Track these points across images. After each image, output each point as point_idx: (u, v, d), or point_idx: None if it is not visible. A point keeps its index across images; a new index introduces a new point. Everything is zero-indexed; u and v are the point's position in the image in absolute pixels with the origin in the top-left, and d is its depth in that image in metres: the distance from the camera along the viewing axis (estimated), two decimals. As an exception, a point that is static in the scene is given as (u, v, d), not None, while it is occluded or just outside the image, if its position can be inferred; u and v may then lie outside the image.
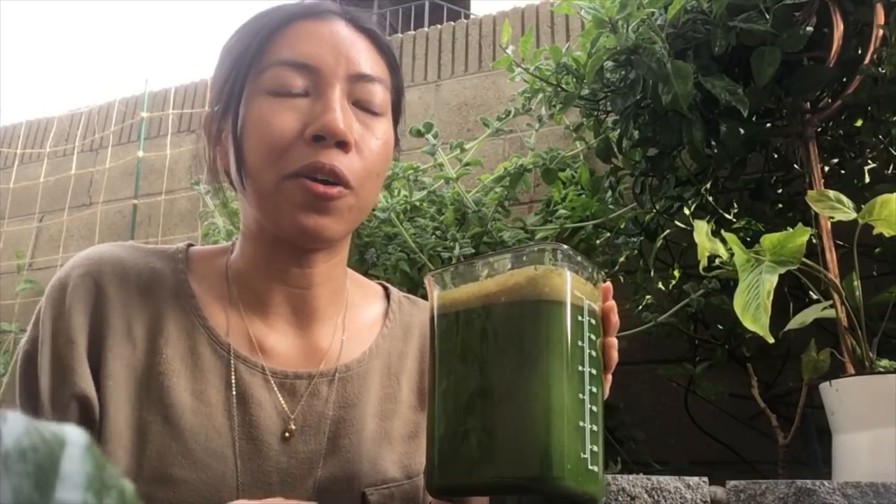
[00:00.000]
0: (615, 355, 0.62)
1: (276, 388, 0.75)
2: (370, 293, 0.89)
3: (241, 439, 0.72)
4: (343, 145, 0.70)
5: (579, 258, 0.58)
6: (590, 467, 0.53)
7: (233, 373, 0.74)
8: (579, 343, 0.55)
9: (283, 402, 0.75)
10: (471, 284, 0.59)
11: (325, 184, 0.70)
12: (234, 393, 0.73)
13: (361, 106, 0.74)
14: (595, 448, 0.54)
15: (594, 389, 0.56)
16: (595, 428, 0.55)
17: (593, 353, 0.57)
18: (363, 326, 0.84)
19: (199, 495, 0.65)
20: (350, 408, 0.78)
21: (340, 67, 0.73)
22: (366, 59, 0.75)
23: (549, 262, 0.56)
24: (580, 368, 0.55)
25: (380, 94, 0.75)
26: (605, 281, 0.63)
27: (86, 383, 0.69)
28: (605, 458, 0.56)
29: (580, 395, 0.55)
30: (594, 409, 0.55)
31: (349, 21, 0.77)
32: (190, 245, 0.82)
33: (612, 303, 0.62)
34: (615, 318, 0.61)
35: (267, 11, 0.77)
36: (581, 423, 0.54)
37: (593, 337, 0.57)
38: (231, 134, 0.74)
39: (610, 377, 0.63)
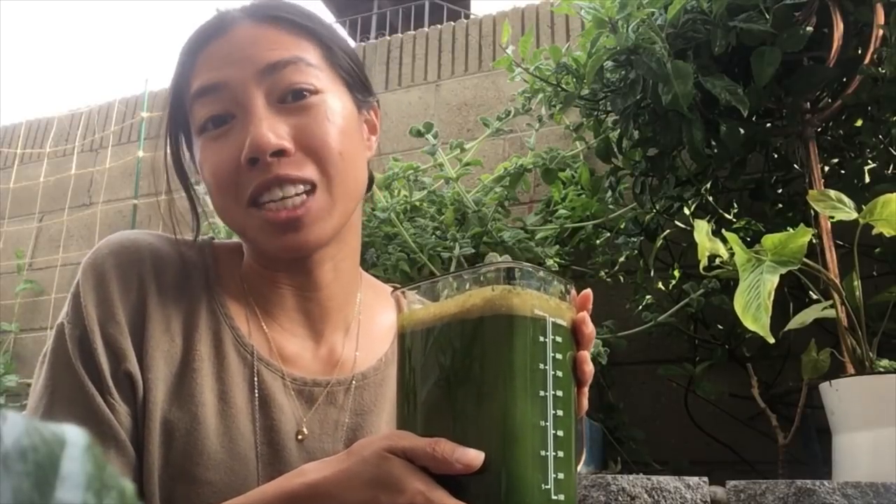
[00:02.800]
0: (588, 369, 0.57)
1: (293, 394, 0.75)
2: (383, 297, 0.87)
3: (262, 443, 0.72)
4: (281, 153, 0.67)
5: (542, 273, 0.55)
6: (553, 497, 0.51)
7: (255, 376, 0.73)
8: (541, 366, 0.52)
9: (299, 407, 0.75)
10: (433, 304, 0.57)
11: (286, 200, 0.67)
12: (256, 396, 0.73)
13: (290, 98, 0.70)
14: (561, 475, 0.52)
15: (560, 413, 0.53)
16: (561, 454, 0.52)
17: (559, 374, 0.53)
18: (378, 332, 0.83)
19: (220, 497, 0.65)
20: (366, 415, 0.78)
21: (246, 70, 0.69)
22: (275, 47, 0.71)
23: (507, 281, 0.53)
24: (542, 393, 0.52)
25: (306, 75, 0.70)
26: (577, 291, 0.59)
27: (134, 368, 0.69)
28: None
29: (542, 423, 0.51)
30: (559, 433, 0.52)
31: (253, 17, 0.73)
32: (213, 238, 0.82)
33: (584, 314, 0.57)
34: (588, 330, 0.57)
35: (181, 48, 0.76)
36: (543, 453, 0.51)
37: (559, 356, 0.54)
38: (198, 174, 0.76)
39: (586, 391, 0.58)
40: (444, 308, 0.55)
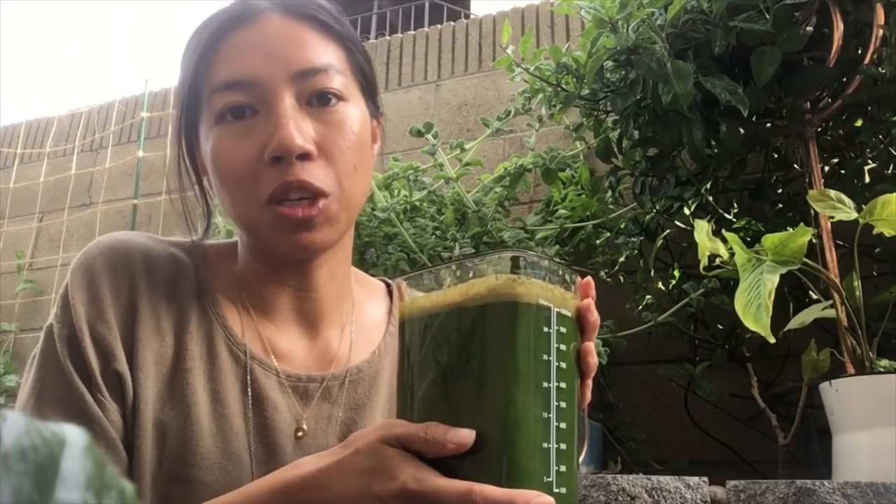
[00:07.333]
0: (593, 361, 0.56)
1: (290, 391, 0.75)
2: (373, 290, 0.89)
3: (256, 442, 0.72)
4: (305, 157, 0.67)
5: (546, 263, 0.54)
6: (555, 490, 0.50)
7: (248, 374, 0.74)
8: (544, 357, 0.52)
9: (296, 404, 0.75)
10: (436, 292, 0.55)
11: (302, 200, 0.68)
12: (249, 395, 0.73)
13: (316, 102, 0.70)
14: (563, 468, 0.51)
15: (563, 404, 0.52)
16: (563, 446, 0.52)
17: (563, 365, 0.53)
18: (370, 326, 0.84)
19: (215, 496, 0.65)
20: (361, 409, 0.78)
21: (279, 71, 0.69)
22: (308, 50, 0.70)
23: (511, 270, 0.52)
24: (545, 384, 0.51)
25: (335, 81, 0.71)
26: (581, 277, 0.58)
27: (123, 367, 0.69)
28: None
29: (545, 414, 0.51)
30: (562, 425, 0.52)
31: (284, 11, 0.71)
32: (203, 240, 0.82)
33: (589, 300, 0.56)
34: (593, 318, 0.56)
35: (197, 31, 0.74)
36: (545, 445, 0.50)
37: (563, 347, 0.53)
38: (206, 168, 0.74)
39: (590, 383, 0.58)
40: (447, 296, 0.54)
